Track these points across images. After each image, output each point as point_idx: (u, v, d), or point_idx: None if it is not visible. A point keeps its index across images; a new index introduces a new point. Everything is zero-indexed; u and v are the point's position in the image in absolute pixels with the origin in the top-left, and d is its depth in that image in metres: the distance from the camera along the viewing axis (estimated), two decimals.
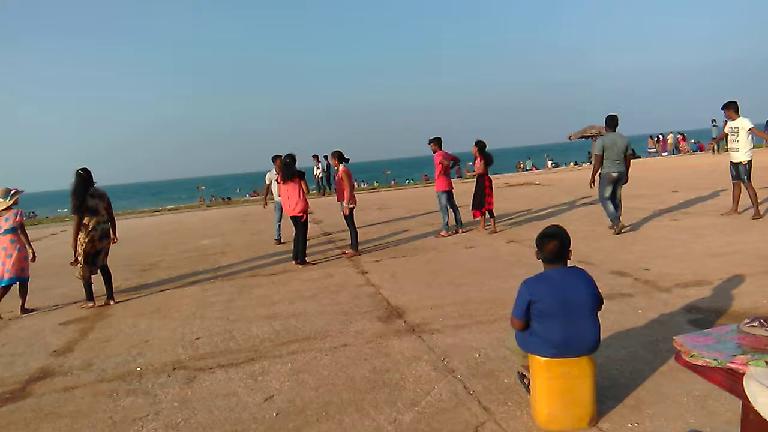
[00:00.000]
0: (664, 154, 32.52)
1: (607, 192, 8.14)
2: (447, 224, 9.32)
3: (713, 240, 7.06)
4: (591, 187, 8.37)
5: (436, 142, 9.34)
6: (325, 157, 20.50)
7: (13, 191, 6.41)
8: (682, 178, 15.08)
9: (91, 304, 6.34)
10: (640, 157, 33.02)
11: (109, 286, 6.53)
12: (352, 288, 6.24)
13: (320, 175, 21.43)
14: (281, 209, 9.49)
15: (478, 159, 9.18)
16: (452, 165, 9.49)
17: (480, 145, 9.20)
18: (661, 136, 35.62)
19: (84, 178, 6.23)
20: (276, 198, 9.65)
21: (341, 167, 8.05)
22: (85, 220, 6.21)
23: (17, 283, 6.30)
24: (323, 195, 20.70)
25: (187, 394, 3.71)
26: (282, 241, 9.92)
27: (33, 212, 37.85)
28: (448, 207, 9.34)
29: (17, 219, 6.34)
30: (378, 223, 11.56)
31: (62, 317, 6.07)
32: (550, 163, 36.91)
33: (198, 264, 8.66)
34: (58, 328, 5.67)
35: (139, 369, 4.25)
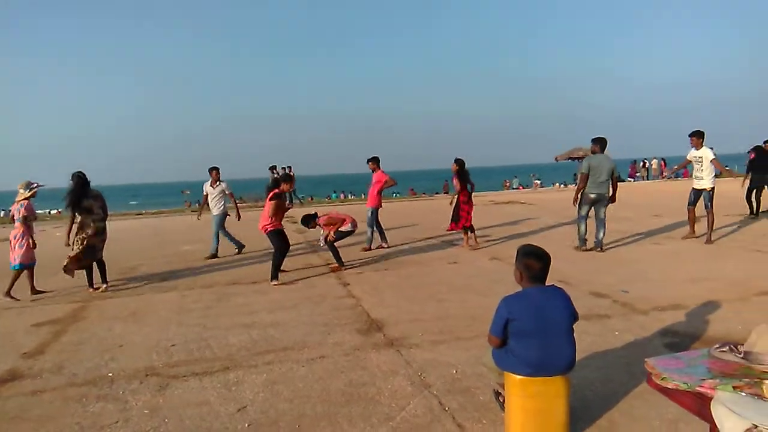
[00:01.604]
0: (629, 179, 32.76)
1: (584, 211, 8.42)
2: (371, 239, 9.74)
3: (692, 265, 7.16)
4: (574, 205, 8.58)
5: (375, 161, 9.75)
6: (283, 168, 20.19)
7: (33, 185, 7.06)
8: (665, 203, 15.29)
9: (91, 290, 7.08)
10: (623, 181, 33.46)
11: (104, 272, 7.21)
12: (333, 299, 6.21)
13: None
14: (218, 221, 9.67)
15: (455, 177, 9.30)
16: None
17: (459, 163, 9.30)
18: (645, 161, 36.20)
19: (82, 180, 6.85)
20: (213, 210, 9.68)
21: (321, 220, 8.05)
22: (81, 218, 6.84)
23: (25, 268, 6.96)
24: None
25: (158, 401, 3.65)
26: (218, 255, 9.55)
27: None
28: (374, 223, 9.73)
29: (22, 211, 6.92)
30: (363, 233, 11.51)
31: (36, 318, 5.95)
32: (538, 182, 37.23)
33: (178, 269, 8.57)
34: (30, 329, 5.56)
35: (110, 374, 4.18)
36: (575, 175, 32.27)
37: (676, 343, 4.26)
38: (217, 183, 9.67)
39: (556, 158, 30.31)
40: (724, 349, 2.15)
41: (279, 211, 7.36)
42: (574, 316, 2.89)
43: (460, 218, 9.22)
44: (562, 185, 32.23)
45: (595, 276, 6.72)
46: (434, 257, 8.68)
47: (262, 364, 4.25)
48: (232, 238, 9.80)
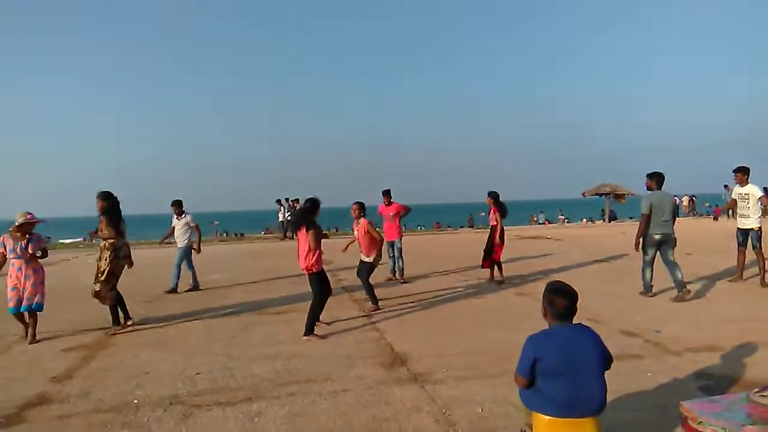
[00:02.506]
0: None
1: (650, 255, 7.56)
2: (393, 270, 9.84)
3: (726, 306, 6.93)
4: (636, 250, 7.71)
5: (387, 194, 9.77)
6: (288, 200, 20.09)
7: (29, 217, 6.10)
8: (695, 241, 14.91)
9: (119, 327, 6.57)
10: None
11: (124, 307, 6.76)
12: (357, 332, 6.18)
13: (282, 219, 20.99)
14: (181, 254, 9.55)
15: (493, 210, 9.19)
16: (404, 215, 9.91)
17: (494, 195, 9.21)
18: (675, 198, 35.65)
19: (118, 200, 6.55)
20: (178, 243, 9.62)
21: (363, 220, 7.40)
22: (117, 242, 6.49)
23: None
24: (284, 238, 20.57)
25: (181, 430, 3.65)
26: (177, 290, 9.29)
27: (48, 237, 37.99)
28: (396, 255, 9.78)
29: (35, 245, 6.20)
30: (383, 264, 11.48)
31: (65, 344, 6.05)
32: (563, 218, 36.83)
33: (206, 298, 8.65)
34: (59, 354, 5.65)
35: (136, 401, 4.20)
36: (602, 210, 31.91)
37: (712, 386, 4.11)
38: (181, 215, 9.62)
39: (583, 194, 30.03)
40: (764, 394, 2.06)
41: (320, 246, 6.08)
42: (605, 356, 2.81)
43: (494, 252, 9.11)
44: (589, 221, 31.76)
45: (626, 314, 6.55)
46: (459, 291, 8.60)
47: (284, 395, 4.23)
48: (193, 274, 9.62)
